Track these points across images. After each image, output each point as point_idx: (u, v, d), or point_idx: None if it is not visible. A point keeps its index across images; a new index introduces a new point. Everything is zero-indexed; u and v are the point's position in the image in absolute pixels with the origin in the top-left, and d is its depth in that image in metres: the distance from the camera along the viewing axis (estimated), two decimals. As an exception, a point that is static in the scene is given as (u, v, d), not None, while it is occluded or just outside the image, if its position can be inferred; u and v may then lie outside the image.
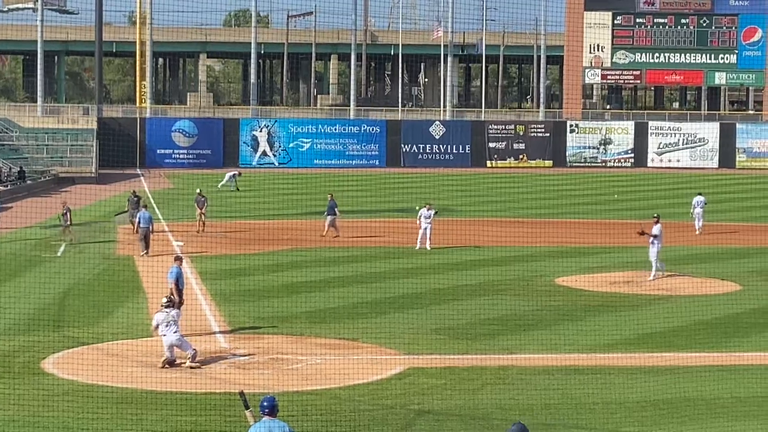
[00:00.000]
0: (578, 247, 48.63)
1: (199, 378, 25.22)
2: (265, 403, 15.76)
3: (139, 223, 46.21)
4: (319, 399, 23.36)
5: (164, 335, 26.44)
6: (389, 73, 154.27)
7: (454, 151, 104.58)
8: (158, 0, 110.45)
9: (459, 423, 20.92)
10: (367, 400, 23.57)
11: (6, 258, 44.80)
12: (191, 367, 25.97)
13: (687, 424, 21.94)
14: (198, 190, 56.19)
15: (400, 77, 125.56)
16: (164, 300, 27.50)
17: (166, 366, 26.05)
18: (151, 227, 46.02)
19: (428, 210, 48.34)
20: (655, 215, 42.74)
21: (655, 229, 40.84)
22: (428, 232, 47.89)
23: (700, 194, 57.64)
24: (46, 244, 48.91)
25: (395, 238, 50.30)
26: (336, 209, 51.84)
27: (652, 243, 40.72)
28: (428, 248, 47.42)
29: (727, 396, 24.05)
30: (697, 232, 54.73)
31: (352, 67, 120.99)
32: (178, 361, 26.29)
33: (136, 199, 52.45)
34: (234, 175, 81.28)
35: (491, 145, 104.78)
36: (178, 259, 33.17)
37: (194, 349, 26.34)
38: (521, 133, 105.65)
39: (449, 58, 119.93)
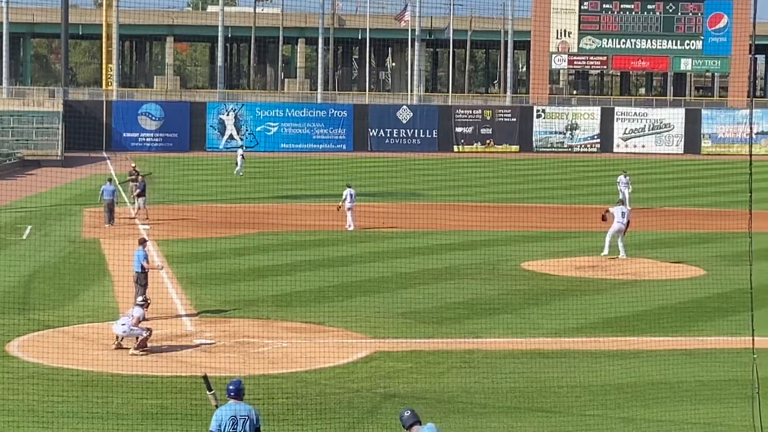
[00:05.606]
0: (544, 232, 48.79)
1: (165, 361, 25.19)
2: (230, 387, 15.78)
3: (102, 195, 49.15)
4: (285, 382, 23.39)
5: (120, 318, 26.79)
6: (356, 57, 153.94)
7: (422, 135, 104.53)
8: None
9: (425, 406, 20.97)
10: (334, 384, 23.62)
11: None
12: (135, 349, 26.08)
13: (651, 408, 22.11)
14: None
15: (368, 61, 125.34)
16: (140, 299, 27.83)
17: (124, 348, 26.12)
18: (115, 199, 49.45)
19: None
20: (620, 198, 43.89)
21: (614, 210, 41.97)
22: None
23: (624, 173, 58.29)
24: (12, 226, 48.70)
25: (361, 222, 50.30)
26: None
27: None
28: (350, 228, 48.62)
29: (691, 380, 24.24)
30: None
31: (320, 51, 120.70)
32: (124, 344, 26.31)
33: None
34: (242, 155, 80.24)
35: (458, 129, 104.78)
36: (143, 241, 33.12)
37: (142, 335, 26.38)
38: (488, 118, 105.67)
39: (417, 43, 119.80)
